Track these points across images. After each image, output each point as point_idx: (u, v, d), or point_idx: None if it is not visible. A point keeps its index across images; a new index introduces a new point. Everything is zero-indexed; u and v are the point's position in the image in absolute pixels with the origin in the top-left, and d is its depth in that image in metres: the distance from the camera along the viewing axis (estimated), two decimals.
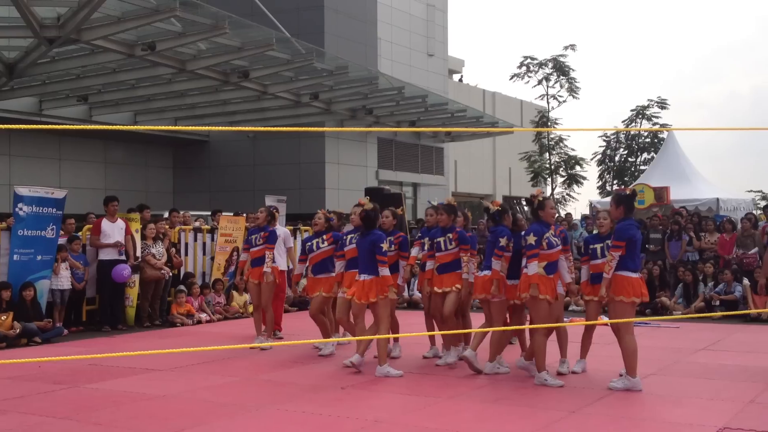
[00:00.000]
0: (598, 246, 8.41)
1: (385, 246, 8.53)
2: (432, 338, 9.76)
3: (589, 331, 8.79)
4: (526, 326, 8.64)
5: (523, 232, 8.31)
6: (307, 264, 10.08)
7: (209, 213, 17.61)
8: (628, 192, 8.09)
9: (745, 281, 14.09)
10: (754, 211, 21.63)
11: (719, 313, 13.37)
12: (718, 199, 21.93)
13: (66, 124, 22.12)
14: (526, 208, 9.45)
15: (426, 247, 9.34)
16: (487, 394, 7.76)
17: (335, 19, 26.93)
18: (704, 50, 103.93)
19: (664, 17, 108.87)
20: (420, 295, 10.95)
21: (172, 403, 7.44)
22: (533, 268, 7.84)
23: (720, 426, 6.42)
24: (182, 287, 13.65)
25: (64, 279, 12.16)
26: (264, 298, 10.54)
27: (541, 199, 8.13)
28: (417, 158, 31.73)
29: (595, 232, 9.11)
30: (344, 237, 9.43)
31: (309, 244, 10.00)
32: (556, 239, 8.00)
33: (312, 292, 9.96)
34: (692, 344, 10.68)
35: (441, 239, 9.06)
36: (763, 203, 35.47)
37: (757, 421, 6.57)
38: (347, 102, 24.79)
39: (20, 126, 4.67)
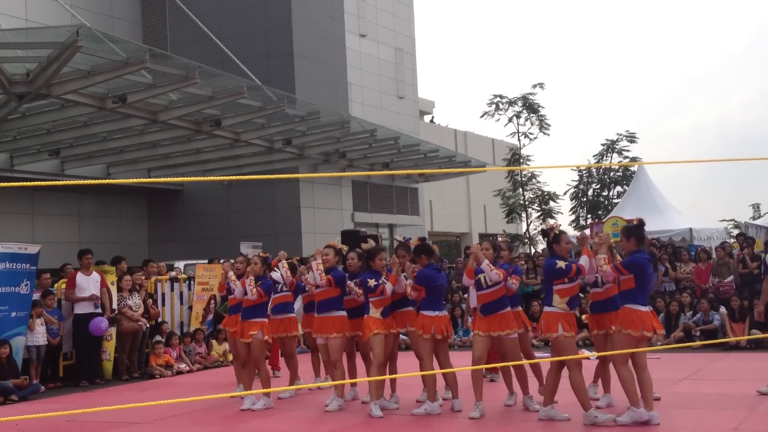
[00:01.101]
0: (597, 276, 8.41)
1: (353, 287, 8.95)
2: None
3: (604, 362, 8.72)
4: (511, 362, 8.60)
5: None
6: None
7: (188, 262, 17.33)
8: (635, 222, 8.07)
9: (722, 309, 14.19)
10: (728, 240, 21.86)
11: (699, 343, 13.42)
12: (691, 229, 22.14)
13: (38, 179, 21.95)
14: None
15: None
16: None
17: (305, 65, 27.12)
18: (670, 84, 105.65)
19: (629, 53, 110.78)
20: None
21: None
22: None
23: None
24: (159, 338, 13.50)
25: (39, 335, 11.99)
26: (289, 348, 10.64)
27: (557, 232, 8.01)
28: (392, 199, 31.82)
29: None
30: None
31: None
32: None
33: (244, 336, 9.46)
34: (674, 374, 10.72)
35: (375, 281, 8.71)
36: (735, 232, 35.82)
37: None
38: (320, 146, 24.86)
39: None
